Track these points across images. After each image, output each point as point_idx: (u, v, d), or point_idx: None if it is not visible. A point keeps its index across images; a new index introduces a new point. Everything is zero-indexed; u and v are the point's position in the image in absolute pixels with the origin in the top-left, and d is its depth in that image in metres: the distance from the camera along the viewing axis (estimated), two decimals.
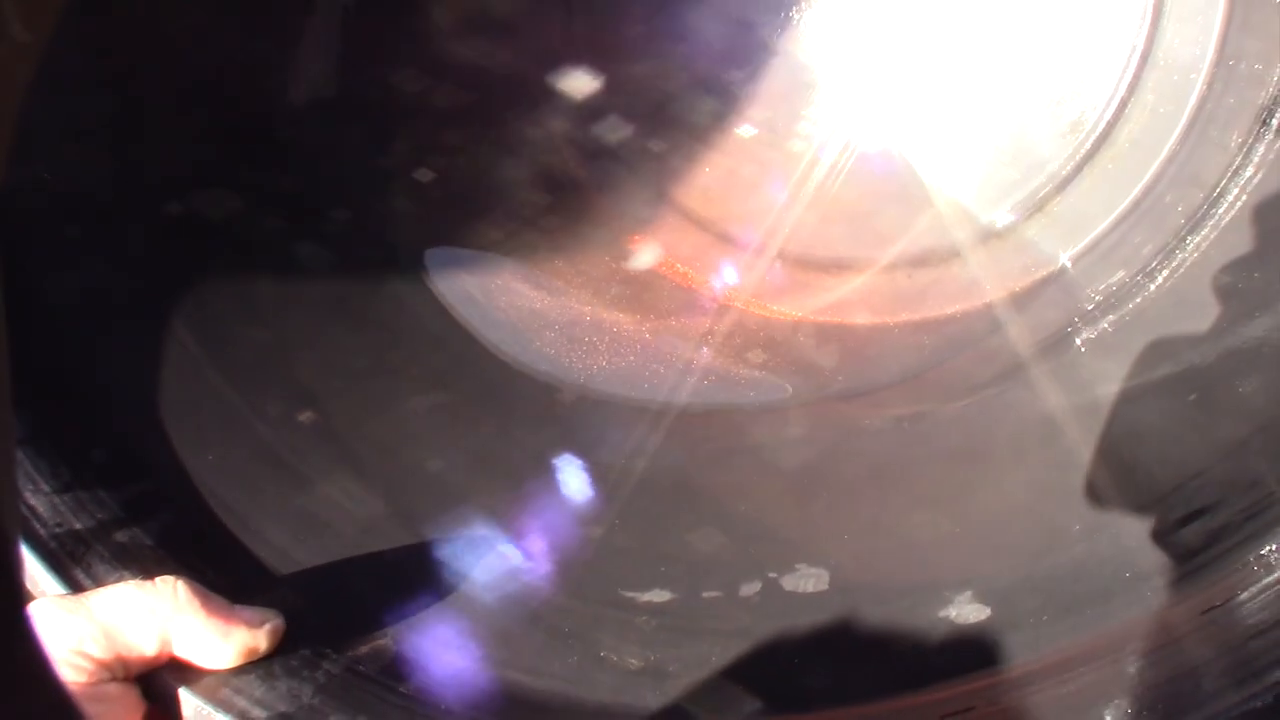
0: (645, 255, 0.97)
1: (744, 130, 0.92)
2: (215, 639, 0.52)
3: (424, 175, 0.88)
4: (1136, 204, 0.73)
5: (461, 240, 0.89)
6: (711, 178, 0.94)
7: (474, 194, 0.95)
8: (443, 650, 0.58)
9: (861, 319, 0.79)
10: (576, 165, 1.03)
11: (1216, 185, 0.67)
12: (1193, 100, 0.73)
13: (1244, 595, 0.39)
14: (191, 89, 0.69)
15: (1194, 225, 0.67)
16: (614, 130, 1.01)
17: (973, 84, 0.81)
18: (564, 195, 1.01)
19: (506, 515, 0.70)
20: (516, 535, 0.68)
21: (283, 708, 0.51)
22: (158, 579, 0.52)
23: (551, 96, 1.02)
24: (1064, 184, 0.78)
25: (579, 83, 1.00)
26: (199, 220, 0.66)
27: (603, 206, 1.02)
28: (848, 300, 0.80)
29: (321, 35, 0.80)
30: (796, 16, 0.86)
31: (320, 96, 0.83)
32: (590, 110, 1.01)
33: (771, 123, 0.91)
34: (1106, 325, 0.67)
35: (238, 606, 0.54)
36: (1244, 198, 0.66)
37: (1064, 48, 0.78)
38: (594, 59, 0.97)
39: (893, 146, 0.84)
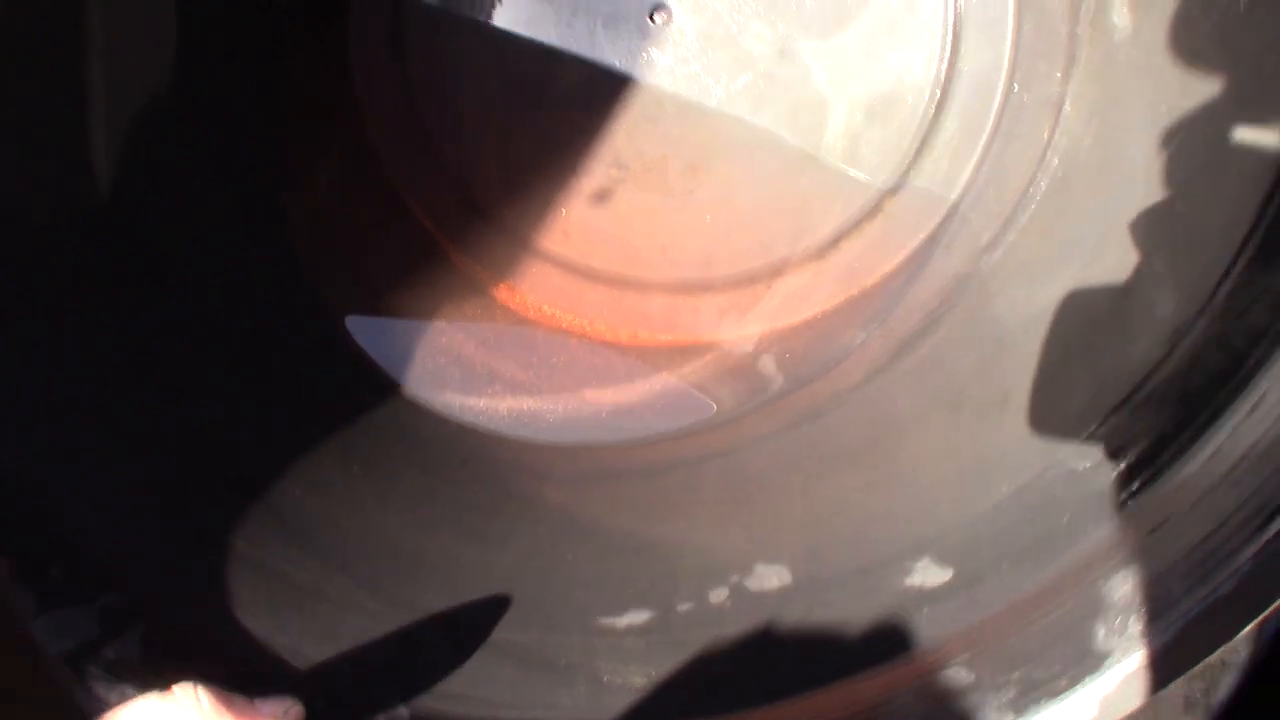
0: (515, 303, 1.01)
1: (596, 167, 0.97)
2: None
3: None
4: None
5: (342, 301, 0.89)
6: (570, 220, 0.99)
7: (339, 259, 0.95)
8: (455, 705, 0.60)
9: (778, 323, 0.84)
10: (429, 219, 1.05)
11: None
12: None
13: (1179, 511, 0.49)
14: None
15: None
16: (465, 182, 1.03)
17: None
18: (422, 251, 1.03)
19: (458, 568, 0.72)
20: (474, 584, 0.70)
21: None
22: (175, 688, 0.51)
23: (401, 152, 1.03)
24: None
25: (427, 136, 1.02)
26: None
27: (460, 259, 1.05)
28: (748, 308, 0.86)
29: None
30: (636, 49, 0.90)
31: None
32: (440, 162, 1.04)
33: (620, 155, 0.96)
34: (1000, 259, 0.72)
35: (256, 700, 0.53)
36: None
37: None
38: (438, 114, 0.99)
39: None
